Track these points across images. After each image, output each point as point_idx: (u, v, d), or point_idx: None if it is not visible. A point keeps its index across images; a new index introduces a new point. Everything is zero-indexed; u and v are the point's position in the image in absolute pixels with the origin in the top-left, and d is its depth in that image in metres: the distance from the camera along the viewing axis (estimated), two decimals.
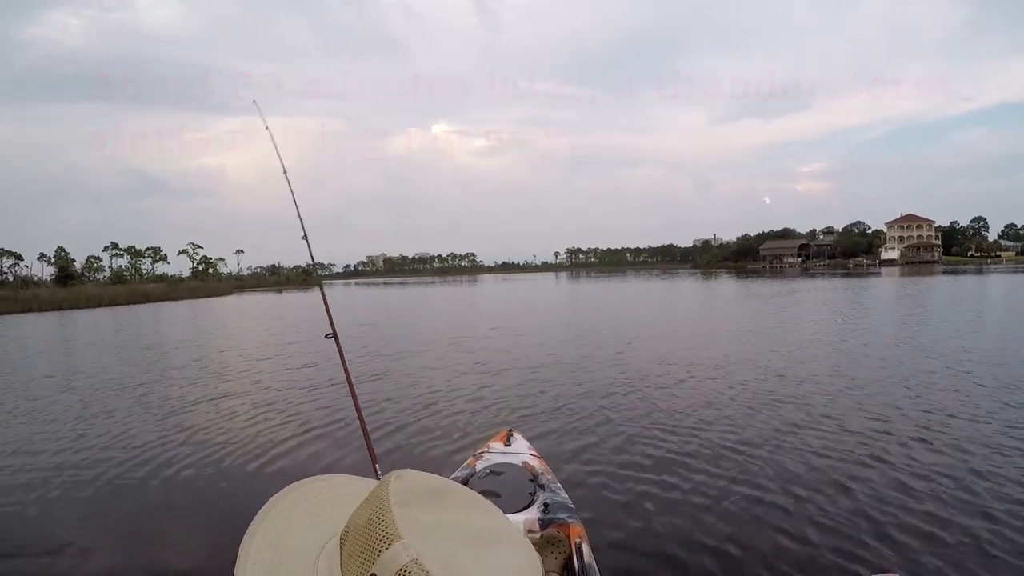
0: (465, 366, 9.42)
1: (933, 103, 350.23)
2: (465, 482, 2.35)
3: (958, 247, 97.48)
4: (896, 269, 64.85)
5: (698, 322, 15.82)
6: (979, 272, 46.01)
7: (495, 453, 2.74)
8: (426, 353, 11.12)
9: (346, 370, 2.97)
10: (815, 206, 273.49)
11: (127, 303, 42.63)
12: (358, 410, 2.87)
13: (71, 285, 56.69)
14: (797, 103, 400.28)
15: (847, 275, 50.89)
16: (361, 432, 2.78)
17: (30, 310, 35.89)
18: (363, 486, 0.64)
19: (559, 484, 2.47)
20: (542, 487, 2.38)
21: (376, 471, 2.67)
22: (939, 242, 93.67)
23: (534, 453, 2.78)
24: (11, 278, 72.34)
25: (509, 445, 2.83)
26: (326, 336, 2.99)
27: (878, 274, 50.39)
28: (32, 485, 4.65)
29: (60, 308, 37.60)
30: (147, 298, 46.73)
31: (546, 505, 2.21)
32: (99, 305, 40.25)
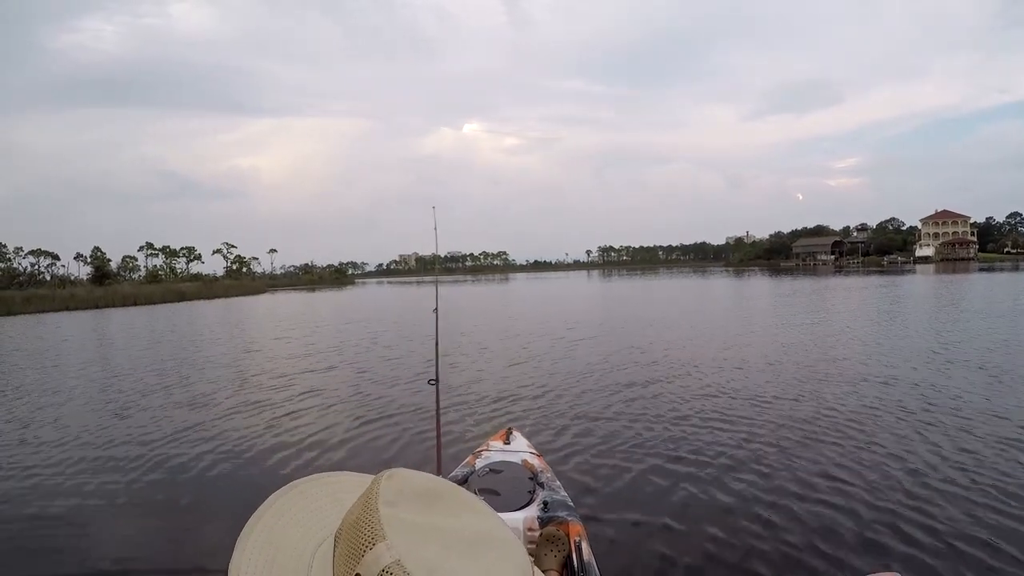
0: (484, 364, 9.50)
1: (966, 96, 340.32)
2: (464, 480, 2.39)
3: (994, 244, 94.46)
4: (931, 267, 63.12)
5: (716, 321, 15.61)
6: (1016, 269, 44.59)
7: (494, 451, 2.76)
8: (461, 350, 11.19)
9: (437, 366, 3.30)
10: (848, 202, 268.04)
11: (162, 302, 43.83)
12: (437, 406, 3.21)
13: (107, 284, 58.31)
14: (829, 97, 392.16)
15: (882, 273, 49.78)
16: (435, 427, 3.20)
17: (66, 308, 37.06)
18: (365, 484, 0.62)
19: (559, 482, 2.49)
20: (542, 485, 2.40)
21: (439, 462, 3.10)
22: (975, 239, 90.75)
23: (533, 451, 2.80)
24: (49, 277, 74.76)
25: (508, 443, 2.85)
26: (432, 309, 3.49)
27: (913, 272, 49.09)
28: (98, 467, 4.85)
29: (96, 307, 38.77)
30: (181, 297, 47.96)
31: (545, 503, 2.23)
32: (135, 304, 41.45)
